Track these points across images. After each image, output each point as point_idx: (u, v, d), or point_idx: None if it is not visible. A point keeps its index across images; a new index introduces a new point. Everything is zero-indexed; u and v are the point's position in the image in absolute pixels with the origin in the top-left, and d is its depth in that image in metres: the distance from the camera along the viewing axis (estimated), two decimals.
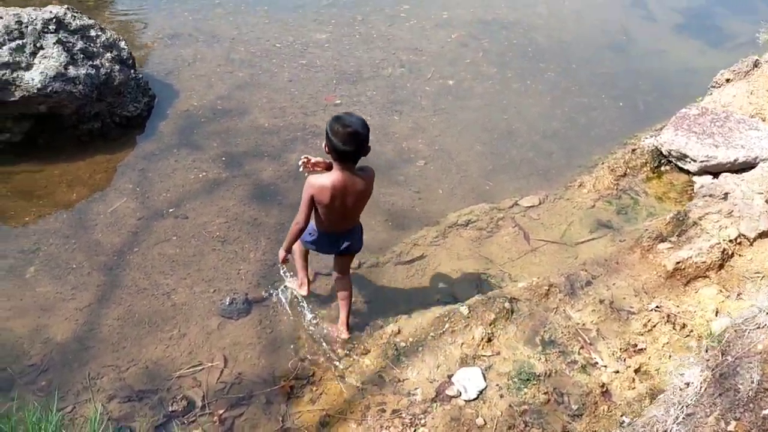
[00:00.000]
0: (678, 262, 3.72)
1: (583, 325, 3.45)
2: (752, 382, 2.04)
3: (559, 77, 5.89)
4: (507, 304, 3.48)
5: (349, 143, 2.80)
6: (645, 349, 3.30)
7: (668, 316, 3.45)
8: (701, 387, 2.33)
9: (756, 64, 5.42)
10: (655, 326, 3.42)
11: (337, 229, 3.17)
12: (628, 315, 3.51)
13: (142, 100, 4.93)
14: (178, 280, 3.71)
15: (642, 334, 3.39)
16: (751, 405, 2.03)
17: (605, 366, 3.23)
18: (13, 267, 3.72)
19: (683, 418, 2.24)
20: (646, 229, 4.06)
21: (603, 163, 4.77)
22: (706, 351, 2.75)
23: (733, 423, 2.06)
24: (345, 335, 3.42)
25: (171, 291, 3.63)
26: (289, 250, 3.25)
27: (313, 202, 2.98)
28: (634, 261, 3.89)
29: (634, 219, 4.35)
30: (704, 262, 3.70)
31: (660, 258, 3.83)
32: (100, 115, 4.68)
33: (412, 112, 5.28)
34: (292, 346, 3.38)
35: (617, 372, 3.19)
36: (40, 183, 4.31)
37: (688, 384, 2.39)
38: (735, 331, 2.65)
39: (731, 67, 5.47)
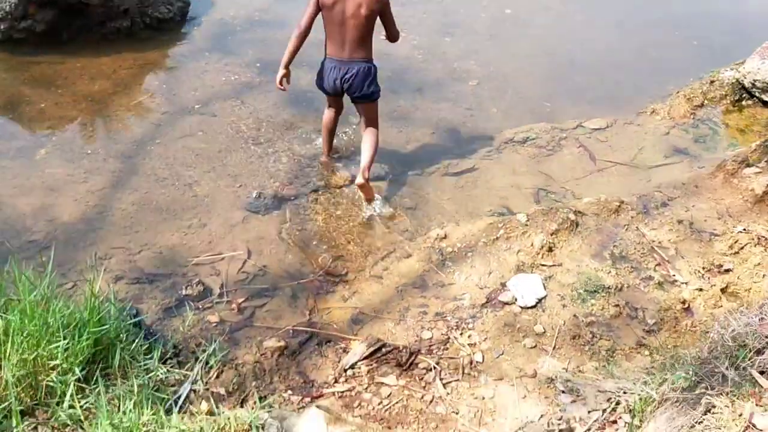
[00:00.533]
0: None
1: (660, 243, 2.98)
2: None
3: (627, 14, 5.40)
4: (571, 216, 3.03)
5: None
6: (732, 269, 2.83)
7: (758, 238, 2.96)
8: None
9: None
10: (743, 248, 2.93)
11: (338, 56, 3.10)
12: (711, 236, 3.04)
13: (175, 3, 4.60)
14: (202, 173, 3.34)
15: (728, 255, 2.91)
16: None
17: (686, 283, 2.77)
18: (22, 148, 3.40)
19: None
20: (731, 155, 3.56)
21: (678, 93, 4.27)
22: None
23: None
24: (361, 180, 3.09)
25: (193, 182, 3.26)
26: (286, 65, 3.17)
27: (317, 6, 3.01)
28: (716, 185, 3.40)
29: (713, 148, 3.86)
30: None
31: (746, 182, 3.34)
32: (129, 13, 4.36)
33: (465, 35, 4.86)
34: (324, 245, 2.97)
35: (700, 290, 2.72)
36: (60, 74, 3.99)
37: None
38: None
39: None
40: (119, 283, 2.65)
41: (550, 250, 2.90)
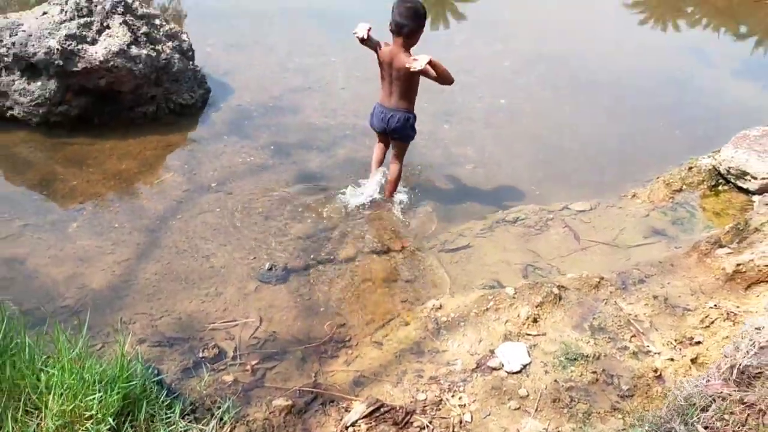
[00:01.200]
0: (738, 264, 3.52)
1: (636, 316, 3.26)
2: None
3: (614, 103, 5.82)
4: (555, 290, 3.31)
5: (404, 16, 3.53)
6: (702, 341, 3.09)
7: (728, 313, 3.23)
8: None
9: None
10: (713, 322, 3.19)
11: (385, 103, 3.87)
12: (684, 311, 3.31)
13: (197, 91, 5.03)
14: (219, 246, 3.66)
15: (699, 329, 3.17)
16: None
17: (658, 353, 3.02)
18: (56, 222, 3.74)
19: (755, 352, 2.04)
20: (705, 237, 3.87)
21: (658, 178, 4.62)
22: None
23: None
24: (384, 195, 4.11)
25: (210, 254, 3.58)
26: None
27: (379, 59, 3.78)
28: (691, 264, 3.70)
29: (690, 230, 4.17)
30: (767, 265, 3.49)
31: (719, 262, 3.63)
32: (155, 99, 4.78)
33: (462, 122, 5.27)
34: (329, 313, 3.25)
35: (672, 359, 2.97)
36: (91, 154, 4.37)
37: (759, 328, 2.19)
38: None
39: None
40: (142, 345, 2.92)
41: (535, 321, 3.17)
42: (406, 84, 3.76)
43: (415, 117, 3.94)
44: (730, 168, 4.52)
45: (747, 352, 2.08)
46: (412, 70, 3.54)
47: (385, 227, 3.97)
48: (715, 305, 3.34)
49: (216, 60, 5.76)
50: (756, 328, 2.18)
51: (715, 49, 7.52)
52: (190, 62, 5.04)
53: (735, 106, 5.96)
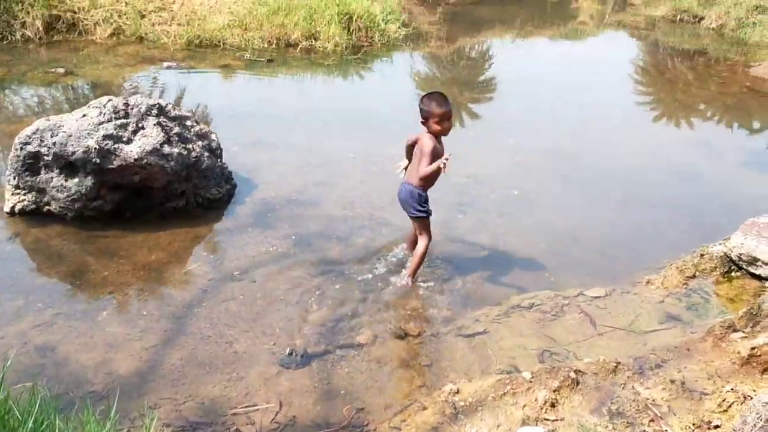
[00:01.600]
0: (753, 348, 3.55)
1: (653, 400, 3.28)
2: None
3: (625, 195, 5.99)
4: (572, 374, 3.36)
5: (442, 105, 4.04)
6: (720, 425, 3.09)
7: (744, 397, 3.25)
8: None
9: None
10: (731, 405, 3.21)
11: (404, 179, 4.28)
12: (701, 395, 3.33)
13: (224, 186, 5.29)
14: (241, 332, 3.77)
15: (717, 412, 3.19)
16: None
17: None
18: (87, 310, 3.89)
19: (762, 425, 2.07)
20: (720, 322, 3.92)
21: (671, 265, 4.71)
22: None
23: None
24: (403, 281, 4.29)
25: (233, 340, 3.69)
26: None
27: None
28: (706, 348, 3.73)
29: (705, 315, 4.22)
30: None
31: (734, 346, 3.67)
32: (185, 194, 5.03)
33: (476, 213, 5.44)
34: (348, 397, 3.32)
35: None
36: (122, 246, 4.58)
37: (766, 403, 2.22)
38: None
39: None
40: (167, 429, 3.00)
41: (553, 405, 3.20)
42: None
43: (423, 196, 4.20)
44: (741, 255, 4.61)
45: (754, 425, 2.11)
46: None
47: (403, 312, 4.06)
48: (732, 389, 3.36)
49: (242, 158, 6.07)
50: (763, 403, 2.23)
51: (725, 143, 7.77)
52: (218, 160, 5.34)
53: (744, 196, 6.10)
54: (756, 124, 8.62)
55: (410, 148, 4.26)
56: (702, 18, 13.63)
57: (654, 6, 14.96)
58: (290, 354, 3.57)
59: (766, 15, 12.94)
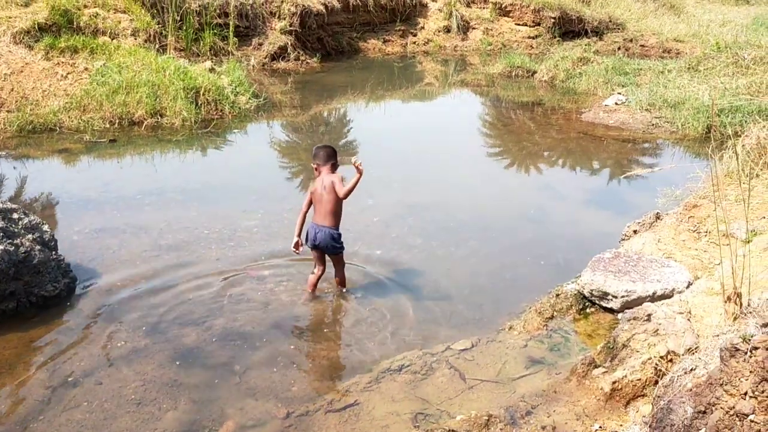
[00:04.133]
0: (614, 382, 3.65)
1: None
2: (685, 413, 1.93)
3: (481, 244, 6.14)
4: None
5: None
6: None
7: None
8: None
9: (658, 217, 5.84)
10: None
11: (316, 222, 4.85)
12: None
13: (61, 280, 4.83)
14: None
15: None
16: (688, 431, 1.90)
17: None
18: None
19: None
20: (580, 360, 4.01)
21: (530, 308, 4.82)
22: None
23: None
24: (339, 288, 5.06)
25: None
26: (298, 234, 4.97)
27: (310, 198, 4.91)
28: (572, 389, 3.79)
29: (567, 354, 4.31)
30: (639, 379, 3.64)
31: (596, 382, 3.75)
32: (15, 295, 4.53)
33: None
34: None
35: None
36: None
37: None
38: (665, 385, 2.55)
39: (637, 221, 5.87)
40: None
41: None
42: (330, 204, 4.80)
43: (338, 234, 4.87)
44: (592, 291, 4.80)
45: None
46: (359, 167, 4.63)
47: (266, 395, 3.82)
48: (600, 427, 3.41)
49: (83, 247, 5.62)
50: None
51: (570, 185, 8.26)
52: (53, 252, 4.89)
53: (590, 233, 6.46)
54: (596, 165, 9.27)
55: (310, 202, 4.90)
56: (535, 72, 14.69)
57: (491, 64, 15.98)
58: None
59: (589, 66, 14.18)
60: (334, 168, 4.89)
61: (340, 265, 5.02)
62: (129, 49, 10.98)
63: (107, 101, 9.27)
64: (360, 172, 4.62)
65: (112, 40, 11.57)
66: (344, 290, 5.07)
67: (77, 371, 3.97)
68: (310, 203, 4.90)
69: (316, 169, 4.92)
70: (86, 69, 10.11)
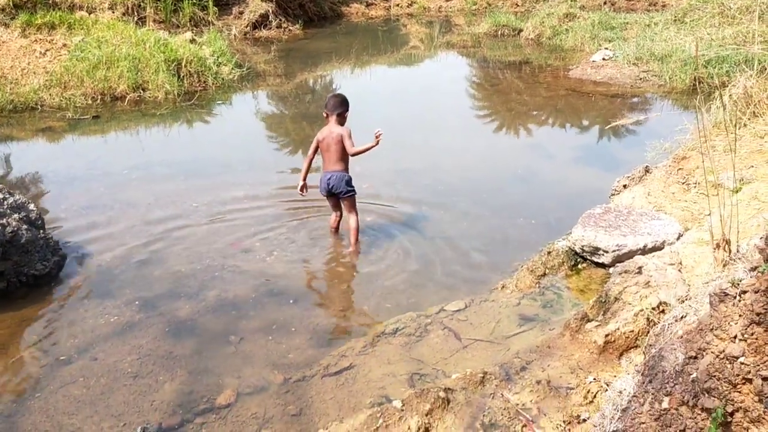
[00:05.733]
0: (607, 335, 3.67)
1: (523, 405, 3.27)
2: (677, 359, 1.95)
3: (471, 206, 6.13)
4: (442, 394, 3.28)
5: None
6: (588, 418, 3.13)
7: (608, 385, 3.32)
8: (634, 388, 2.19)
9: (647, 170, 5.83)
10: (595, 396, 3.27)
11: (326, 169, 5.12)
12: (567, 391, 3.37)
13: (51, 258, 4.80)
14: (84, 418, 3.37)
15: (584, 405, 3.23)
16: (679, 378, 1.91)
17: None
18: None
19: (619, 416, 2.07)
20: (573, 315, 4.03)
21: (522, 267, 4.83)
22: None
23: (666, 399, 1.93)
24: (352, 248, 5.15)
25: (75, 429, 3.28)
26: (304, 179, 5.25)
27: (317, 144, 5.11)
28: (565, 343, 3.81)
29: (560, 310, 4.33)
30: (632, 331, 3.66)
31: (589, 336, 3.77)
32: (5, 275, 4.50)
33: (331, 247, 5.32)
34: None
35: None
36: None
37: (621, 391, 2.25)
38: (656, 334, 2.57)
39: (626, 175, 5.87)
40: None
41: (427, 430, 3.10)
42: (338, 151, 5.05)
43: (349, 177, 5.14)
44: (583, 246, 4.81)
45: (612, 417, 2.12)
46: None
47: (263, 363, 3.83)
48: (595, 378, 3.43)
49: (72, 224, 5.59)
50: (618, 392, 2.25)
51: (560, 143, 8.25)
52: (41, 231, 4.84)
53: (580, 190, 6.46)
54: (584, 121, 9.24)
55: (316, 149, 5.12)
56: (521, 30, 14.56)
57: (476, 24, 15.81)
58: None
59: (575, 21, 14.06)
60: (342, 118, 5.09)
61: (353, 210, 5.21)
62: (107, 23, 10.80)
63: (88, 77, 9.13)
64: (377, 143, 4.90)
65: (90, 14, 11.37)
66: (358, 247, 5.21)
67: (72, 348, 3.96)
68: (317, 149, 5.12)
69: (326, 117, 5.14)
70: (65, 45, 9.93)
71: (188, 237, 5.42)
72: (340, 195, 5.12)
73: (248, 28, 14.47)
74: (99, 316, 4.29)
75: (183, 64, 9.83)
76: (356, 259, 5.13)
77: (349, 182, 5.11)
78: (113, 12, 12.03)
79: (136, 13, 12.52)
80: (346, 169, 5.12)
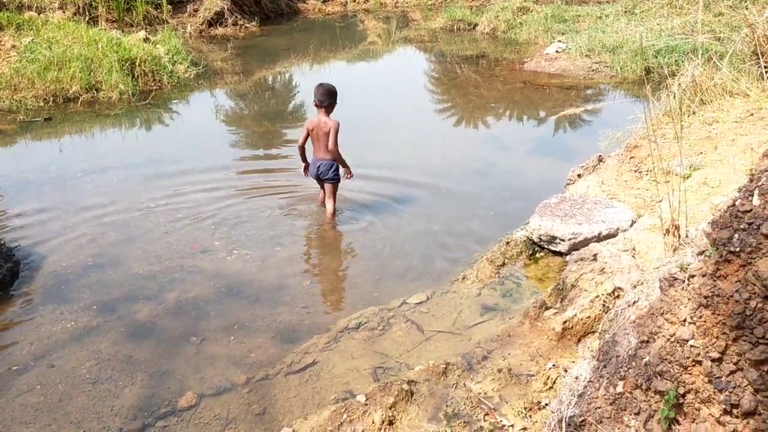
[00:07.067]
0: (565, 322, 3.74)
1: (485, 394, 3.32)
2: (630, 344, 2.00)
3: (432, 199, 6.17)
4: (405, 386, 3.31)
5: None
6: (549, 403, 3.19)
7: (565, 370, 3.39)
8: (589, 373, 2.25)
9: (601, 159, 5.95)
10: (555, 382, 3.34)
11: (316, 156, 5.56)
12: (528, 378, 3.43)
13: (4, 265, 4.68)
14: (42, 426, 3.31)
15: (544, 391, 3.29)
16: (632, 362, 1.97)
17: (512, 425, 3.07)
18: None
19: (576, 401, 2.12)
20: (532, 303, 4.10)
21: (482, 257, 4.88)
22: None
23: (620, 383, 1.98)
24: (329, 221, 5.61)
25: None
26: (304, 160, 5.71)
27: (307, 132, 5.51)
28: (525, 331, 3.88)
29: (519, 299, 4.40)
30: (588, 317, 3.74)
31: (548, 323, 3.84)
32: None
33: (295, 243, 5.31)
34: None
35: (525, 429, 3.03)
36: None
37: (577, 377, 2.30)
38: (610, 319, 2.64)
39: (580, 165, 5.98)
40: None
41: (391, 423, 3.13)
42: (326, 140, 5.40)
43: (335, 165, 5.51)
44: (540, 236, 4.89)
45: (569, 402, 2.17)
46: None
47: (225, 363, 3.81)
48: (554, 365, 3.50)
49: (25, 230, 5.46)
50: (575, 378, 2.30)
51: (517, 135, 8.35)
52: None
53: (537, 181, 6.55)
54: (540, 113, 9.36)
55: (307, 135, 5.52)
56: (476, 24, 14.68)
57: (433, 19, 15.89)
58: None
59: (529, 15, 14.23)
60: (330, 108, 5.43)
61: (333, 196, 5.63)
62: (57, 23, 10.55)
63: (39, 79, 8.91)
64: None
65: (39, 14, 11.10)
66: (336, 222, 5.66)
67: (27, 356, 3.88)
68: (307, 136, 5.51)
69: (315, 105, 5.45)
70: (14, 46, 9.67)
71: (146, 238, 5.35)
72: (327, 181, 5.55)
73: (203, 25, 14.28)
74: (55, 322, 4.21)
75: (137, 64, 9.67)
76: (332, 232, 5.56)
77: (336, 170, 5.53)
78: (63, 12, 11.76)
79: (87, 13, 12.26)
80: (334, 158, 5.50)
